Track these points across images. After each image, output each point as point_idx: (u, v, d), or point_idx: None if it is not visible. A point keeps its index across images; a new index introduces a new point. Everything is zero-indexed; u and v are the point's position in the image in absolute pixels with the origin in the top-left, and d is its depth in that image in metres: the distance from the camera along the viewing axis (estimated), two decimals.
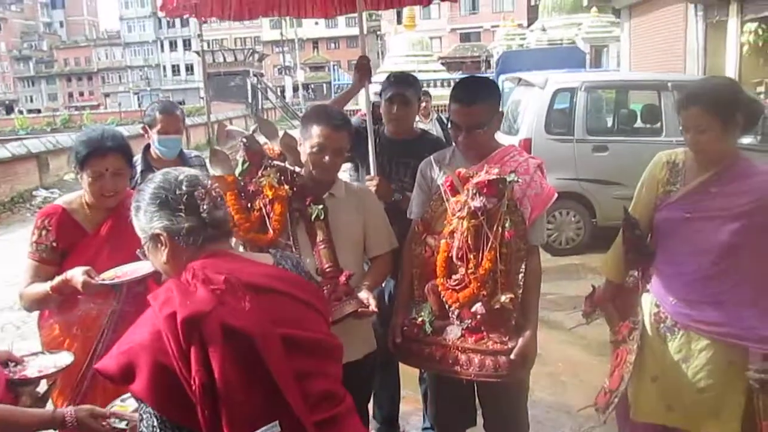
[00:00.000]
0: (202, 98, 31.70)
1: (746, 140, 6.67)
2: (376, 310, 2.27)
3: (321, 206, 2.40)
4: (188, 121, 22.64)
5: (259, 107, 37.33)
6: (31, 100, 76.55)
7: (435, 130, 6.51)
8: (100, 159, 2.30)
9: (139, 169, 3.12)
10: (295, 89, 50.04)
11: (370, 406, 3.13)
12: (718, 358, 2.27)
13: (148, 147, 3.26)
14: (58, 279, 2.20)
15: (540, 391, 3.85)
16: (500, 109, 2.48)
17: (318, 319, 1.55)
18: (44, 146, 13.57)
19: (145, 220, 1.52)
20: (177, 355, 1.30)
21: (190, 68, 70.69)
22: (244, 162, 2.47)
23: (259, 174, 2.44)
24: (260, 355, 1.34)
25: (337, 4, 3.83)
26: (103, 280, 2.15)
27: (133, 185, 2.86)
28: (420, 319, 2.44)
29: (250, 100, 37.83)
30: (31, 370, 1.94)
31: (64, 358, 2.04)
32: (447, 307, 2.39)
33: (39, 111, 61.77)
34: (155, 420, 1.35)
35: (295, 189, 2.43)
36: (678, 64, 12.87)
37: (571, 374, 4.19)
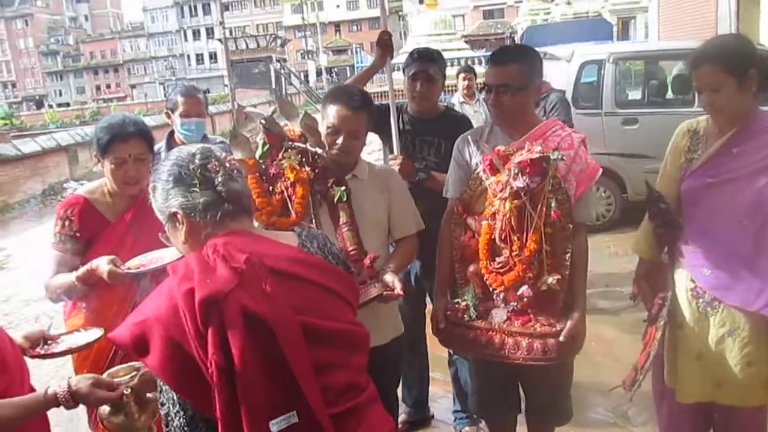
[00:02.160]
0: (227, 86, 31.80)
1: None
2: (401, 293, 2.21)
3: (343, 188, 2.34)
4: (213, 109, 22.80)
5: (283, 93, 37.32)
6: (60, 94, 77.76)
7: (482, 111, 6.21)
8: (123, 144, 2.28)
9: (163, 155, 3.08)
10: (319, 73, 49.95)
11: (400, 389, 3.09)
12: (762, 330, 2.18)
13: (172, 133, 3.24)
14: (83, 269, 2.19)
15: (574, 370, 3.78)
16: (539, 80, 2.36)
17: (343, 308, 1.47)
18: (73, 139, 13.77)
19: (161, 200, 1.45)
20: (194, 335, 1.25)
21: (213, 56, 70.98)
22: (264, 144, 2.42)
23: (280, 156, 2.39)
24: (278, 343, 1.27)
25: None
26: (129, 268, 2.13)
27: None
28: (464, 303, 2.37)
29: (273, 86, 37.90)
30: (60, 347, 1.93)
31: (95, 333, 2.02)
32: (491, 290, 2.32)
33: (68, 104, 62.81)
34: (178, 406, 1.31)
35: (316, 171, 2.37)
36: (709, 32, 12.46)
37: (605, 353, 4.09)
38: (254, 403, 1.25)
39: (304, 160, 2.38)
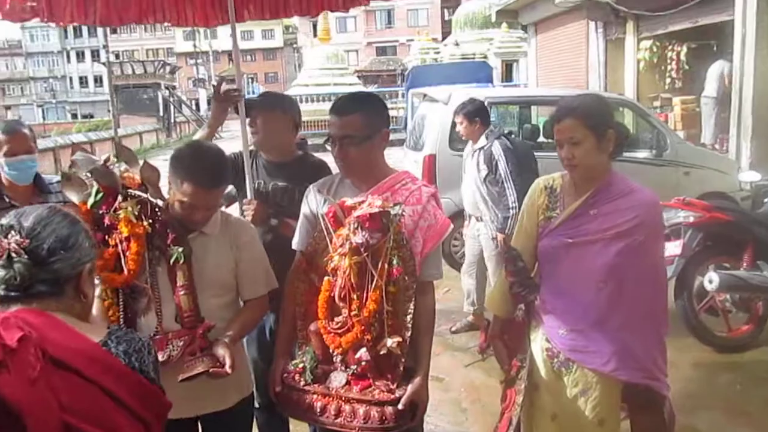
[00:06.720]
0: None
1: (642, 155, 6.90)
2: (229, 371, 2.01)
3: (181, 249, 2.15)
4: (93, 135, 21.62)
5: (172, 121, 36.12)
6: None
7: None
8: None
9: None
10: (210, 102, 48.91)
11: None
12: (612, 390, 2.23)
13: None
14: None
15: (440, 419, 3.74)
16: (386, 128, 2.26)
17: (128, 421, 1.28)
18: None
19: None
20: None
21: (98, 80, 67.71)
22: (97, 192, 2.19)
23: (116, 205, 2.18)
24: None
25: (218, 12, 3.56)
26: None
27: None
28: (301, 365, 2.21)
29: (162, 113, 36.58)
30: None
31: None
32: (331, 351, 2.18)
33: None
34: None
35: (157, 225, 2.18)
36: (581, 79, 13.32)
37: (473, 400, 4.07)
38: None
39: (143, 211, 2.19)
